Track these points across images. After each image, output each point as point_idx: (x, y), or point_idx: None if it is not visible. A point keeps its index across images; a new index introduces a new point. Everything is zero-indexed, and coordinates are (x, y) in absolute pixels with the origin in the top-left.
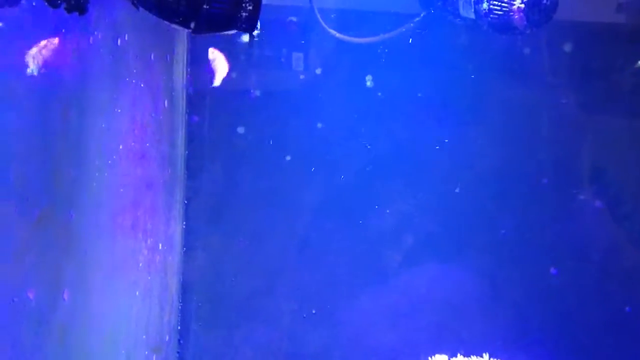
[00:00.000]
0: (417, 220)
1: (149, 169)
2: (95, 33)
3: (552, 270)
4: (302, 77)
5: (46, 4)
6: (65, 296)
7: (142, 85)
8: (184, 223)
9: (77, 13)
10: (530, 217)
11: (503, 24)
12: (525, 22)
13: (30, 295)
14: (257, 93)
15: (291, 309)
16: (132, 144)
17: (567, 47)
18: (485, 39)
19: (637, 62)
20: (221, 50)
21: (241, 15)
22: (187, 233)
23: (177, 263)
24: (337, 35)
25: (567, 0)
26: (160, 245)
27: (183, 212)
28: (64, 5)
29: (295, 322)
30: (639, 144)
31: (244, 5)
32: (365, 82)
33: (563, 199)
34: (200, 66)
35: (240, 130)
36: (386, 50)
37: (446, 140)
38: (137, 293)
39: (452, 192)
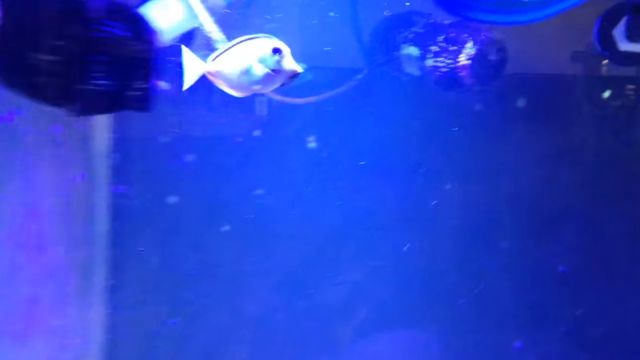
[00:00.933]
0: (370, 290)
1: (53, 255)
2: None
3: (516, 343)
4: (239, 139)
5: None
6: None
7: (43, 162)
8: (110, 307)
9: None
10: (490, 283)
11: (449, 81)
12: (472, 79)
13: None
14: (191, 158)
15: None
16: (26, 231)
17: (522, 101)
18: (435, 94)
19: (596, 112)
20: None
21: (130, 95)
22: (113, 318)
23: (97, 354)
24: (272, 96)
25: (520, 53)
26: (70, 339)
27: (107, 296)
28: None
29: None
30: (604, 199)
31: (133, 83)
32: (308, 142)
33: (525, 263)
34: (128, 129)
35: (173, 199)
36: (330, 109)
37: (398, 202)
38: None
39: (407, 259)
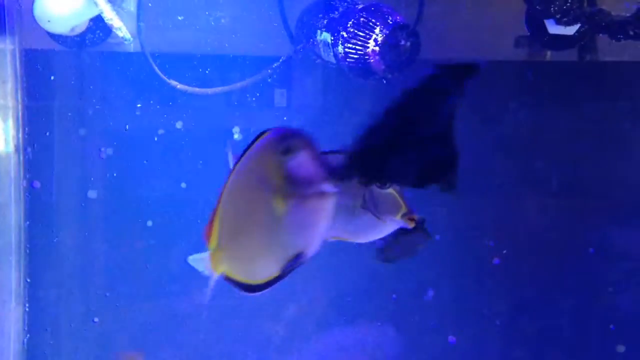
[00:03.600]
0: (300, 287)
1: None
2: None
3: (451, 338)
4: (160, 132)
5: None
6: None
7: None
8: (27, 306)
9: None
10: (424, 279)
11: (361, 68)
12: (382, 66)
13: None
14: (110, 151)
15: None
16: None
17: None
18: (357, 82)
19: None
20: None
21: None
22: (32, 317)
23: (14, 355)
24: (179, 86)
25: (459, 39)
26: None
27: (25, 294)
28: None
29: None
30: (534, 192)
31: None
32: (233, 134)
33: (458, 257)
34: (40, 121)
35: (92, 194)
36: (253, 98)
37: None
38: None
39: (337, 254)
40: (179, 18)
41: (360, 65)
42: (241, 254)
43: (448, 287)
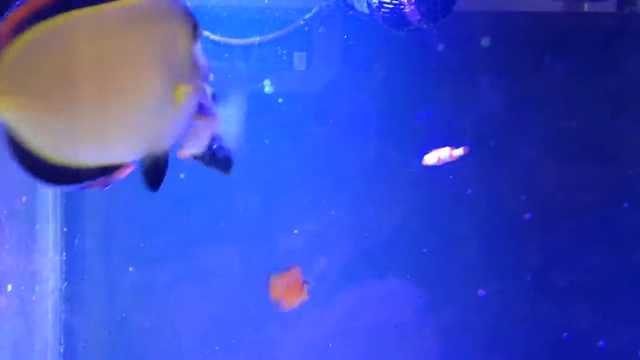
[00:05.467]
0: (330, 240)
1: None
2: None
3: (480, 291)
4: None
5: None
6: None
7: None
8: (64, 255)
9: None
10: (455, 233)
11: (396, 19)
12: (418, 16)
13: None
14: None
15: (193, 346)
16: None
17: (487, 41)
18: (391, 34)
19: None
20: None
21: None
22: (69, 266)
23: (53, 301)
24: (212, 36)
25: None
26: (9, 286)
27: (62, 244)
28: None
29: None
30: (568, 146)
31: None
32: (264, 87)
33: (489, 212)
34: None
35: None
36: (284, 51)
37: (358, 151)
38: None
39: (367, 207)
40: None
41: (394, 15)
42: (62, 115)
43: (479, 241)
